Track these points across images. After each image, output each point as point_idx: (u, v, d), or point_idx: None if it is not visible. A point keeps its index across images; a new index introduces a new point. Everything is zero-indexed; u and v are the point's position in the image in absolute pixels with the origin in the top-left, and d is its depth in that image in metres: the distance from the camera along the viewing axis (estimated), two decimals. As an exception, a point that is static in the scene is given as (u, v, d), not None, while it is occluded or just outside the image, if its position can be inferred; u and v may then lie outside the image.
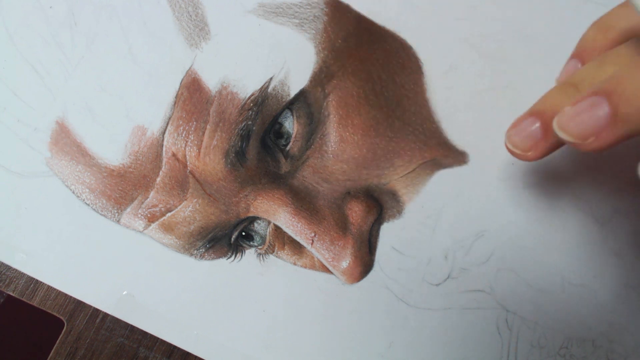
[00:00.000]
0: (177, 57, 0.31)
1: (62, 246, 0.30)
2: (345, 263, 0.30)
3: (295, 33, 0.31)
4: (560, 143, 0.23)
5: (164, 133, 0.30)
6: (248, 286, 0.31)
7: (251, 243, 0.31)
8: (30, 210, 0.30)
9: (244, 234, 0.31)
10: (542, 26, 0.31)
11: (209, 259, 0.31)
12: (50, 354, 0.30)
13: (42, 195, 0.30)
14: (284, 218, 0.30)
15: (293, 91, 0.31)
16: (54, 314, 0.30)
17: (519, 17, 0.31)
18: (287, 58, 0.31)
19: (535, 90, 0.31)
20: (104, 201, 0.30)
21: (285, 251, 0.31)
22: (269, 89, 0.30)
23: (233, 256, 0.31)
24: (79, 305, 0.30)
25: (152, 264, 0.30)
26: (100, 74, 0.31)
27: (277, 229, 0.31)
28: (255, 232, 0.31)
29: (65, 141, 0.30)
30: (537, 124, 0.23)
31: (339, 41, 0.31)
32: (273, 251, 0.31)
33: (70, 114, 0.30)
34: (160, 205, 0.30)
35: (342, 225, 0.30)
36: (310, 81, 0.31)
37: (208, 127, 0.30)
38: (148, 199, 0.30)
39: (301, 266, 0.31)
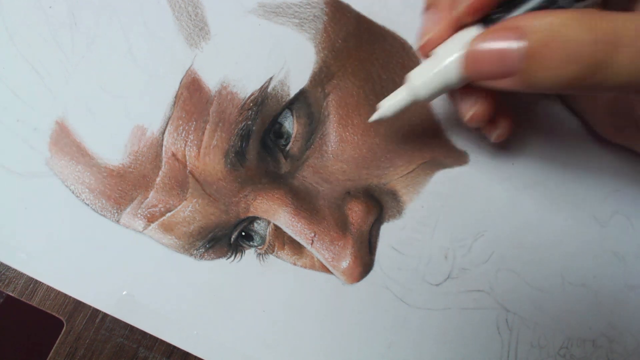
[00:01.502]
0: (177, 57, 0.31)
1: (61, 246, 0.30)
2: (345, 263, 0.30)
3: (295, 33, 0.31)
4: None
5: (163, 133, 0.30)
6: (248, 286, 0.31)
7: (251, 243, 0.31)
8: (30, 210, 0.30)
9: (243, 234, 0.31)
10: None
11: (209, 259, 0.31)
12: (50, 354, 0.30)
13: (42, 195, 0.30)
14: (284, 218, 0.30)
15: (293, 91, 0.31)
16: (54, 314, 0.30)
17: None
18: (287, 58, 0.31)
19: (535, 90, 0.31)
20: (104, 201, 0.30)
21: (285, 251, 0.31)
22: (269, 89, 0.30)
23: (233, 256, 0.31)
24: (79, 305, 0.30)
25: (152, 264, 0.30)
26: (100, 74, 0.31)
27: (277, 229, 0.31)
28: (255, 232, 0.31)
29: (65, 141, 0.30)
30: None
31: (339, 41, 0.31)
32: (273, 251, 0.31)
33: (70, 114, 0.30)
34: (160, 205, 0.30)
35: (342, 225, 0.30)
36: (310, 81, 0.31)
37: (208, 127, 0.30)
38: (148, 199, 0.30)
39: (301, 266, 0.31)
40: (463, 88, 0.25)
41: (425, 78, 0.24)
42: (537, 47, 0.20)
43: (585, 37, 0.20)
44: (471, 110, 0.25)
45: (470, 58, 0.22)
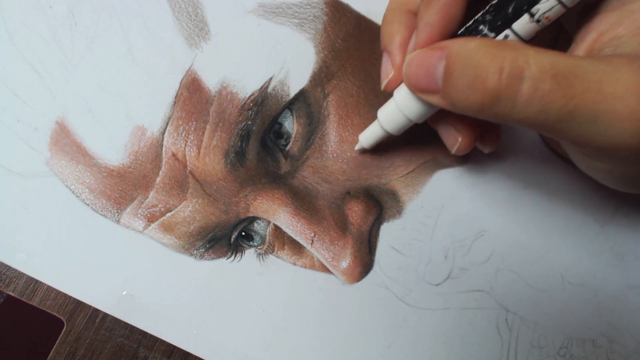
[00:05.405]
0: (177, 57, 0.31)
1: (62, 246, 0.30)
2: (345, 263, 0.30)
3: (295, 33, 0.31)
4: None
5: (163, 133, 0.30)
6: (248, 286, 0.31)
7: (251, 243, 0.31)
8: (30, 210, 0.30)
9: (243, 234, 0.31)
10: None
11: (209, 259, 0.31)
12: (50, 354, 0.30)
13: (42, 195, 0.30)
14: (284, 218, 0.30)
15: (293, 91, 0.31)
16: (54, 314, 0.30)
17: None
18: (287, 58, 0.31)
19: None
20: (104, 201, 0.30)
21: (285, 251, 0.31)
22: (269, 89, 0.30)
23: (233, 256, 0.31)
24: (79, 305, 0.30)
25: (152, 264, 0.30)
26: (100, 74, 0.31)
27: (277, 229, 0.31)
28: (255, 232, 0.31)
29: (65, 141, 0.30)
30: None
31: (339, 41, 0.31)
32: (273, 251, 0.31)
33: (70, 114, 0.30)
34: (160, 205, 0.30)
35: (342, 225, 0.30)
36: (310, 81, 0.31)
37: (208, 127, 0.30)
38: (148, 199, 0.30)
39: (301, 266, 0.31)
40: (444, 124, 0.26)
41: (386, 114, 0.26)
42: (451, 68, 0.21)
43: (490, 65, 0.20)
44: (455, 144, 0.26)
45: (407, 70, 0.24)
